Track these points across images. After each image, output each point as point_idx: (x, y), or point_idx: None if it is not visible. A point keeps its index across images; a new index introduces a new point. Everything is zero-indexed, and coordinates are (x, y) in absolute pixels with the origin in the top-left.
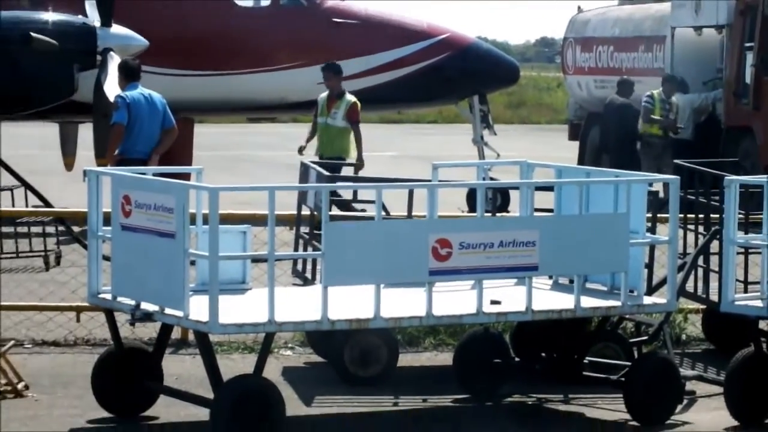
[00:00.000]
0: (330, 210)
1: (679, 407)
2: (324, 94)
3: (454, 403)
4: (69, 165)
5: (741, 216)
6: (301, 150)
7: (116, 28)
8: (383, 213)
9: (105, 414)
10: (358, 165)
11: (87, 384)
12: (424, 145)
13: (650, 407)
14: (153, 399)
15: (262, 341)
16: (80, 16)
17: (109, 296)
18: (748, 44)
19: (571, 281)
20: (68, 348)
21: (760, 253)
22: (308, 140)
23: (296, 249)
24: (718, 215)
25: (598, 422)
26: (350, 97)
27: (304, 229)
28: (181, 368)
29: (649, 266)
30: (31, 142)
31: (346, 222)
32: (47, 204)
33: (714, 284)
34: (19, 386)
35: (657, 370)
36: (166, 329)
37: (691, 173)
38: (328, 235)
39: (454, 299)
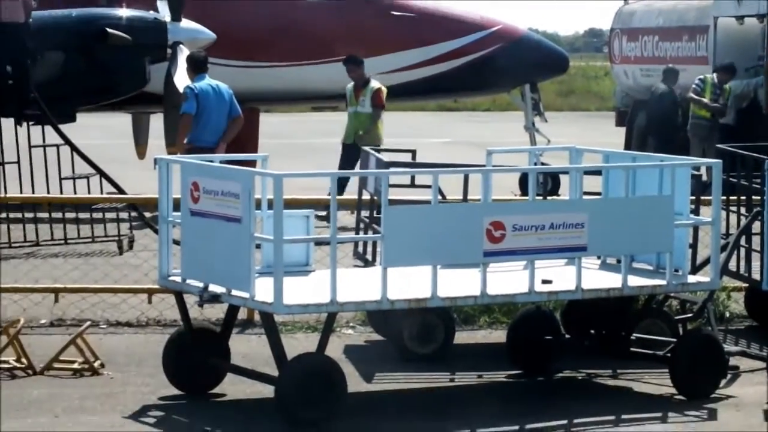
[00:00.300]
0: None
1: (723, 382)
2: (350, 85)
3: (507, 378)
4: (141, 153)
5: None
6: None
7: (185, 23)
8: (439, 197)
9: (175, 391)
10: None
11: (158, 363)
12: (478, 132)
13: (695, 382)
14: (220, 377)
15: (325, 321)
16: (152, 12)
17: (178, 279)
18: None
19: (619, 261)
20: (140, 328)
21: None
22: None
23: (357, 232)
24: (759, 197)
25: (646, 396)
26: (375, 84)
27: (364, 213)
28: (247, 347)
29: (693, 246)
30: (105, 132)
31: (405, 206)
32: (121, 191)
33: (756, 263)
34: (96, 364)
35: (701, 346)
36: (232, 310)
37: (733, 157)
38: (387, 218)
39: (507, 279)
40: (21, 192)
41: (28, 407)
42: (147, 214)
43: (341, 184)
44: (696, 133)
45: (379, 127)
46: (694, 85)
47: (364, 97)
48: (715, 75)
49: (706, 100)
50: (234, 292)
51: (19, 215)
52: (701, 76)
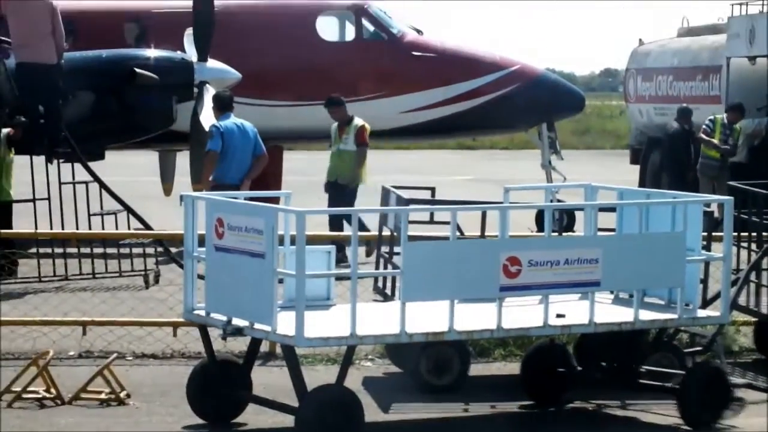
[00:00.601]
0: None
1: (730, 413)
2: (334, 125)
3: (520, 409)
4: (167, 190)
5: None
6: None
7: (212, 63)
8: (458, 233)
9: (198, 421)
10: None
11: (182, 393)
12: (496, 170)
13: (701, 413)
14: (242, 407)
15: (345, 353)
16: (179, 52)
17: (203, 312)
18: None
19: (631, 296)
20: (165, 360)
21: None
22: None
23: (377, 267)
24: None
25: (653, 426)
26: (358, 121)
27: (384, 249)
28: (269, 378)
29: (704, 281)
30: (133, 170)
31: (424, 242)
32: (147, 227)
33: (765, 298)
34: (122, 395)
35: (709, 379)
36: (255, 343)
37: (745, 194)
38: (406, 254)
39: (523, 313)
40: (51, 228)
41: None
42: (173, 250)
43: (339, 223)
44: (705, 172)
45: (362, 165)
46: (704, 126)
47: (348, 135)
48: (725, 115)
49: (716, 141)
50: (257, 326)
51: (49, 250)
52: (711, 117)
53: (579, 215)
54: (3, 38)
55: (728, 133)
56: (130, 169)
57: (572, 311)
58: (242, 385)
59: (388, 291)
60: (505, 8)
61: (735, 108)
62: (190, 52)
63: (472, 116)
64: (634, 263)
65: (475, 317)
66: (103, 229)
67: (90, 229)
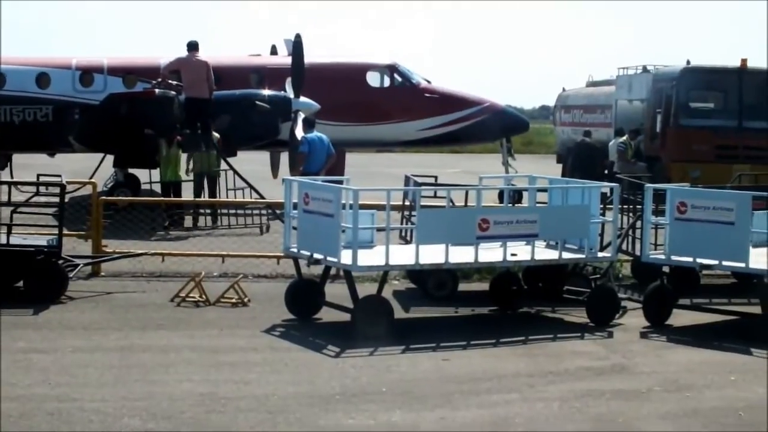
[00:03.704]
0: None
1: (617, 315)
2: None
3: (489, 312)
4: (275, 176)
5: (653, 206)
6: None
7: (302, 99)
8: (450, 204)
9: (292, 317)
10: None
11: (282, 299)
12: (474, 166)
13: (601, 315)
14: (319, 308)
15: (381, 275)
16: (282, 91)
17: (295, 249)
18: (658, 109)
19: (557, 243)
20: (273, 279)
21: (663, 227)
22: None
23: (402, 223)
24: (640, 206)
25: (572, 323)
26: None
27: (406, 213)
28: (336, 291)
29: (601, 234)
30: (253, 163)
31: (430, 209)
32: (262, 197)
33: (638, 245)
34: (245, 300)
35: (605, 294)
36: (327, 268)
37: (628, 182)
38: (419, 216)
39: (490, 252)
40: (204, 197)
41: (205, 326)
42: (278, 212)
43: None
44: (622, 168)
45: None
46: (619, 146)
47: None
48: (626, 136)
49: (629, 156)
50: (328, 258)
51: (202, 211)
52: (623, 140)
53: (525, 194)
54: (178, 83)
55: (631, 147)
56: (251, 163)
57: (521, 252)
58: (319, 295)
59: (408, 238)
60: (480, 63)
61: (635, 131)
62: (289, 91)
63: (460, 133)
64: (559, 223)
65: (461, 254)
66: (235, 197)
67: (227, 197)
